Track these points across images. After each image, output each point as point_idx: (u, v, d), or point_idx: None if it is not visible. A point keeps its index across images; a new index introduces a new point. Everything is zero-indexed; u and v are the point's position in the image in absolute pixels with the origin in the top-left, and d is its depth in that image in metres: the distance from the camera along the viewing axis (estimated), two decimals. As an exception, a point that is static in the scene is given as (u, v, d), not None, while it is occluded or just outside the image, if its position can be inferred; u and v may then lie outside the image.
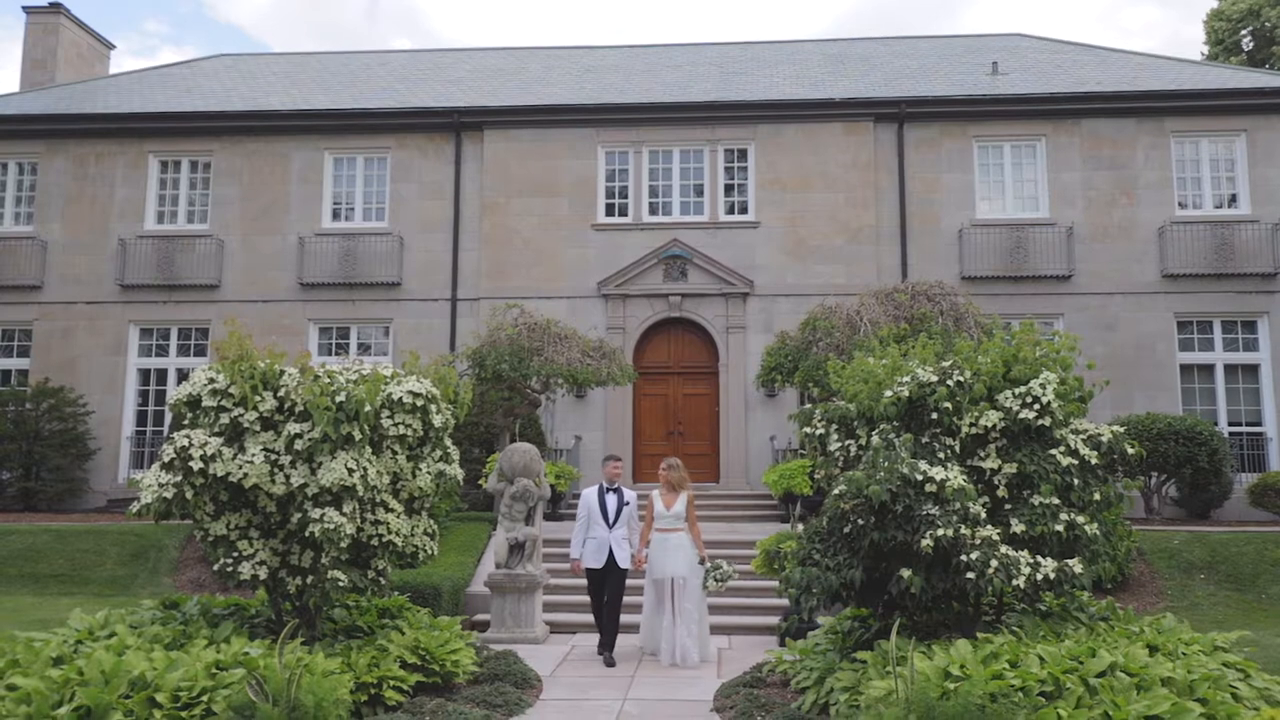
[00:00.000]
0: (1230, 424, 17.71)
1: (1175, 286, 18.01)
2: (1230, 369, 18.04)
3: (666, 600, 8.82)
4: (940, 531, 6.53)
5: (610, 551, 9.05)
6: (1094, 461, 7.21)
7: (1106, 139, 18.51)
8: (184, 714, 5.45)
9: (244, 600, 8.27)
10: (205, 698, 5.56)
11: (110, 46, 25.15)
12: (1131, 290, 18.08)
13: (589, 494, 9.34)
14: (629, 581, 9.87)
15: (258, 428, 7.04)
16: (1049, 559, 6.76)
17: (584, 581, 9.61)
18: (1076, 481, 7.15)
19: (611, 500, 9.22)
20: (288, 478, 6.93)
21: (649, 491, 9.57)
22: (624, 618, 9.41)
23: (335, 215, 19.45)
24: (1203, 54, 32.12)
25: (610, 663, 8.82)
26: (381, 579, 7.65)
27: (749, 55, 22.87)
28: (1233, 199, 18.41)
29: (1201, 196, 18.46)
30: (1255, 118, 18.37)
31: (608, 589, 9.08)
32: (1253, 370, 17.98)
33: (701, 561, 9.00)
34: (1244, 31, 31.17)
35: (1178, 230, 18.03)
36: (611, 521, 9.11)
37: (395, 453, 7.45)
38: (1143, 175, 18.37)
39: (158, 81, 22.24)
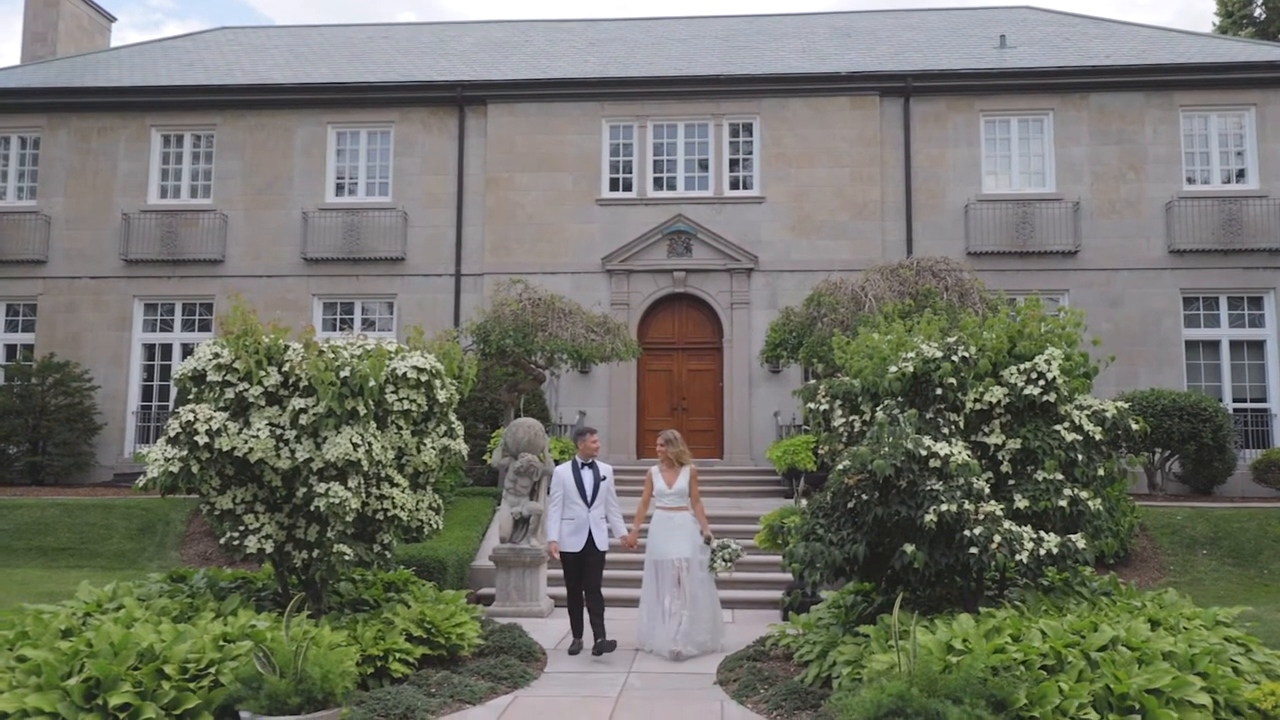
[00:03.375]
0: (1235, 400, 17.69)
1: (1182, 262, 17.92)
2: (1236, 345, 17.99)
3: (669, 585, 8.19)
4: (944, 507, 6.54)
5: (590, 533, 8.25)
6: (1098, 437, 7.22)
7: (1114, 113, 18.36)
8: (192, 685, 5.50)
9: (250, 574, 8.33)
10: (213, 669, 5.61)
11: (111, 19, 24.99)
12: (1138, 266, 18.00)
13: (563, 471, 8.48)
14: (625, 573, 9.72)
15: (262, 402, 7.06)
16: (1052, 534, 6.77)
17: None
18: (1080, 457, 7.15)
19: (588, 477, 8.40)
20: (293, 452, 6.96)
21: (651, 467, 9.08)
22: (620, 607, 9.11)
23: (339, 190, 19.38)
24: (1214, 25, 31.78)
25: (602, 647, 8.08)
26: (387, 553, 7.69)
27: (754, 28, 22.67)
28: (1241, 174, 18.28)
29: (1209, 171, 18.32)
30: (1265, 91, 18.20)
31: (588, 574, 8.28)
32: (1258, 346, 17.93)
33: (707, 541, 8.40)
34: (1256, 2, 30.80)
35: (1185, 205, 17.92)
36: (590, 500, 8.31)
37: (400, 428, 7.47)
38: (1151, 150, 18.23)
39: (159, 55, 22.10)
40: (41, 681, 5.43)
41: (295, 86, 19.27)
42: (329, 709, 5.29)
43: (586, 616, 8.35)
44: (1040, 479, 7.04)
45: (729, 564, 8.29)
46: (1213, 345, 18.02)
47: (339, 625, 7.04)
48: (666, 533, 8.34)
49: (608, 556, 8.58)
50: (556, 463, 11.59)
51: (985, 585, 7.31)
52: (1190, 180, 18.27)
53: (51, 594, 10.15)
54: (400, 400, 7.32)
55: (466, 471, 14.86)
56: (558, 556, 8.34)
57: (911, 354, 7.36)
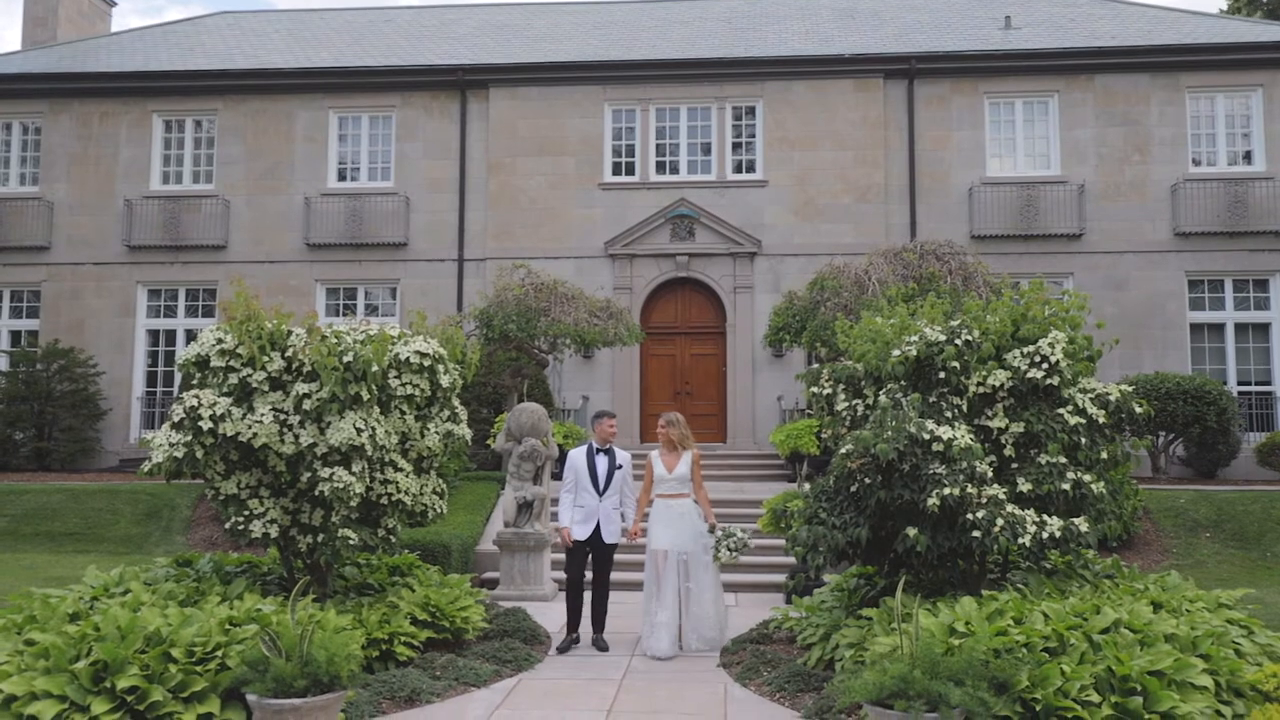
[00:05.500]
0: (1239, 383, 17.66)
1: (1187, 245, 17.86)
2: (1241, 328, 17.94)
3: (670, 579, 7.69)
4: (946, 490, 6.54)
5: (598, 524, 7.80)
6: (1102, 420, 7.20)
7: (1120, 95, 18.26)
8: (199, 668, 5.54)
9: (256, 558, 8.37)
10: (219, 653, 5.64)
11: (112, 4, 24.90)
12: (1143, 249, 17.93)
13: (576, 455, 7.97)
14: (633, 557, 9.45)
15: (266, 388, 7.07)
16: (1055, 517, 6.77)
17: None
18: (1084, 440, 7.15)
19: (602, 463, 7.89)
20: (297, 437, 6.97)
21: (651, 452, 8.37)
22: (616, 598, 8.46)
23: (341, 175, 19.35)
24: (1222, 8, 31.52)
25: (603, 646, 7.83)
26: (392, 537, 7.71)
27: (758, 11, 22.54)
28: (1247, 155, 18.18)
29: (1216, 153, 18.23)
30: (1273, 72, 18.07)
31: (595, 567, 7.92)
32: (1263, 329, 17.88)
33: (711, 530, 7.89)
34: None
35: (1191, 188, 17.83)
36: (602, 488, 7.83)
37: (403, 413, 7.47)
38: (1157, 132, 18.14)
39: (160, 39, 22.04)
40: (50, 665, 5.47)
41: (296, 71, 19.21)
42: (334, 691, 5.33)
43: (586, 610, 8.00)
44: (1043, 462, 7.04)
45: (735, 553, 7.79)
46: (1218, 328, 17.97)
47: (344, 609, 7.07)
48: (666, 522, 7.82)
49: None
50: (561, 448, 11.59)
51: (988, 568, 7.33)
52: (1196, 162, 18.18)
53: (59, 579, 10.21)
54: (403, 385, 7.33)
55: (470, 456, 14.89)
56: (570, 544, 7.88)
57: (915, 338, 7.34)
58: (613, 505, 7.89)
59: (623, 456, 8.08)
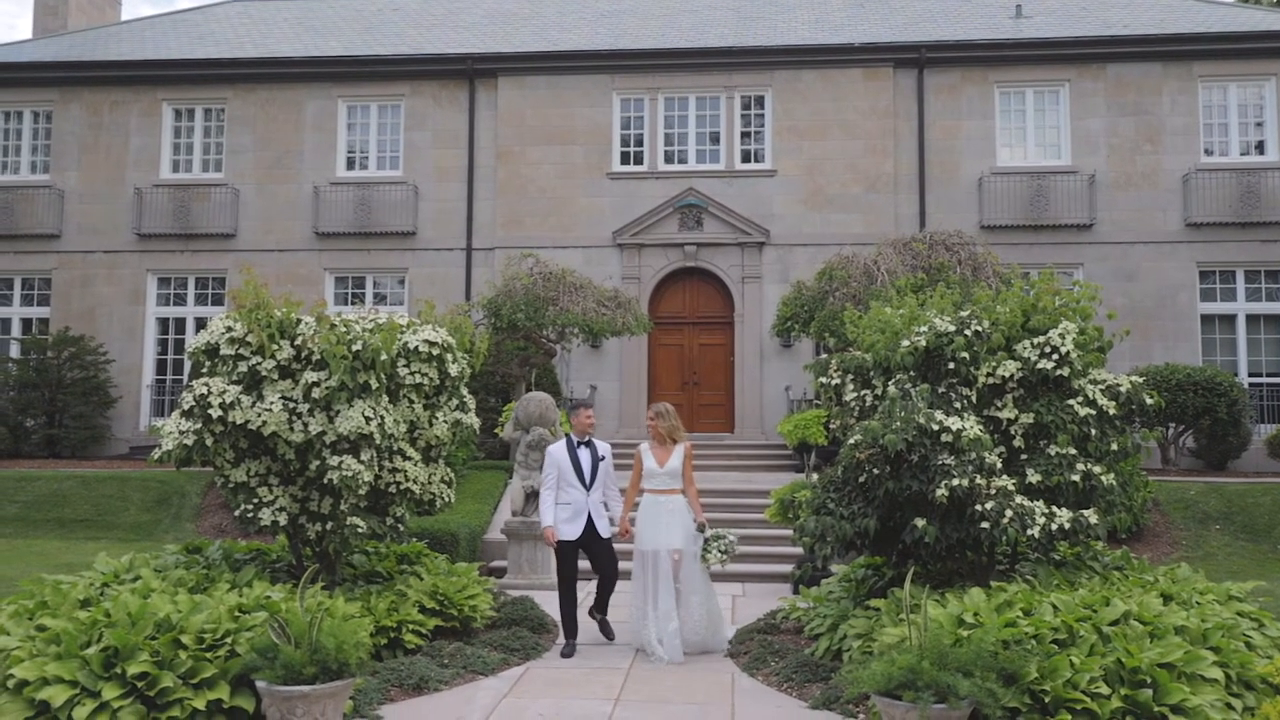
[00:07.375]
0: (1251, 375, 17.56)
1: (1198, 235, 17.75)
2: (1252, 319, 17.83)
3: (662, 580, 7.26)
4: (955, 481, 6.52)
5: (590, 519, 7.48)
6: (1112, 412, 7.17)
7: (1132, 84, 18.13)
8: (209, 655, 5.56)
9: (265, 546, 8.40)
10: (229, 640, 5.66)
11: (121, -8, 24.90)
12: (1154, 239, 17.83)
13: (556, 450, 7.66)
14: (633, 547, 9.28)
15: (275, 376, 7.08)
16: (1064, 509, 6.75)
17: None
18: (1094, 432, 7.11)
19: (585, 456, 7.57)
20: (306, 426, 6.98)
21: (640, 445, 7.86)
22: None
23: (350, 164, 19.35)
24: (1234, -4, 31.25)
25: (608, 631, 7.76)
26: (400, 525, 7.74)
27: (767, -1, 22.42)
28: (1260, 145, 18.04)
29: (1228, 143, 18.09)
30: (1286, 62, 17.93)
31: (597, 563, 7.62)
32: (1275, 321, 17.77)
33: (701, 529, 7.42)
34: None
35: (1202, 178, 17.71)
36: (588, 482, 7.50)
37: (412, 401, 7.48)
38: (1168, 121, 18.01)
39: (170, 28, 22.04)
40: (61, 650, 5.50)
41: (305, 60, 19.19)
42: (343, 679, 5.35)
43: (583, 613, 7.79)
44: (1053, 454, 7.01)
45: (724, 556, 7.35)
46: (1229, 319, 17.87)
47: (353, 597, 7.10)
48: (656, 519, 7.37)
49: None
50: (567, 436, 11.55)
51: (997, 559, 7.31)
52: (1208, 152, 18.05)
53: (69, 565, 10.27)
54: (412, 374, 7.33)
55: (478, 445, 14.92)
56: (555, 544, 7.54)
57: (924, 328, 7.31)
58: (599, 498, 7.59)
59: (604, 448, 7.76)
